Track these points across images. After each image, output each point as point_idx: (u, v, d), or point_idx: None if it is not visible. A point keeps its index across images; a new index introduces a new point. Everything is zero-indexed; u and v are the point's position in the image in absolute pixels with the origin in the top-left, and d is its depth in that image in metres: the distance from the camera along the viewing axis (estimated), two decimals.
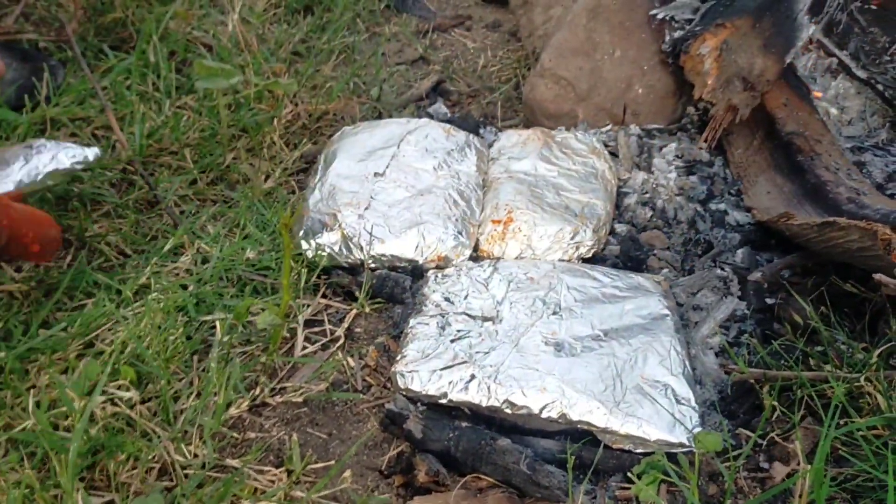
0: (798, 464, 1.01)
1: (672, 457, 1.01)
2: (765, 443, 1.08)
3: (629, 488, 1.03)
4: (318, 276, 1.25)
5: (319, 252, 1.26)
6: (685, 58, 1.55)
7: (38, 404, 0.96)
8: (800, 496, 0.94)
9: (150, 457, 0.97)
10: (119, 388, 1.02)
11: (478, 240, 1.30)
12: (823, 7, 1.65)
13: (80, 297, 1.19)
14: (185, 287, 1.19)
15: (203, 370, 1.08)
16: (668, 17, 1.60)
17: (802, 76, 1.67)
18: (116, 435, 0.97)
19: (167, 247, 1.26)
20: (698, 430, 1.03)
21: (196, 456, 0.99)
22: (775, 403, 1.08)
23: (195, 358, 1.09)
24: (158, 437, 0.98)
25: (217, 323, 1.09)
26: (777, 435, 1.08)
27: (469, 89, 1.78)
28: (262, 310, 1.12)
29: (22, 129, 1.40)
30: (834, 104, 1.66)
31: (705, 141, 1.53)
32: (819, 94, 1.68)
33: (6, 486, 0.92)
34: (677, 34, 1.58)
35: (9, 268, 1.21)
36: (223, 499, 0.93)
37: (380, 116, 1.64)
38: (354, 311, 1.22)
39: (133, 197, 1.35)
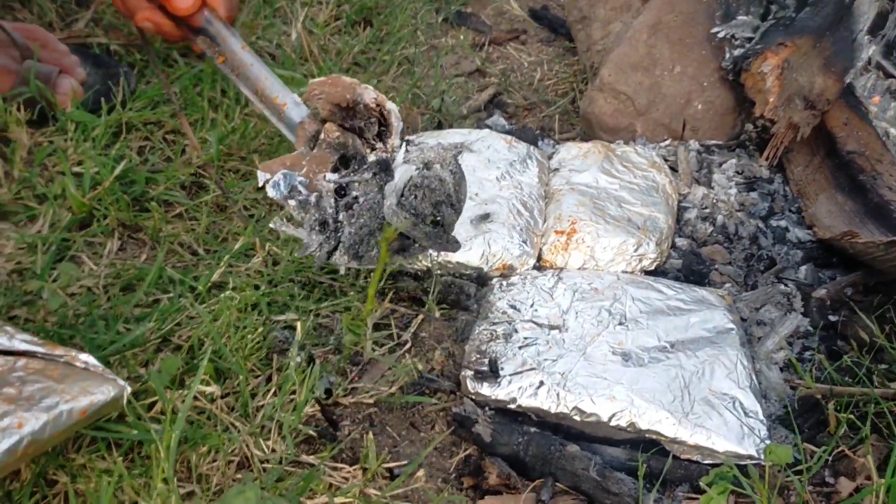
0: (867, 478, 1.02)
1: (741, 469, 1.01)
2: (830, 458, 1.09)
3: (695, 499, 1.04)
4: (385, 281, 1.28)
5: None
6: (746, 75, 1.56)
7: (135, 395, 0.99)
8: None
9: (230, 450, 0.99)
10: (200, 382, 1.05)
11: (540, 250, 1.32)
12: (883, 28, 1.66)
13: (154, 292, 1.22)
14: (256, 287, 1.23)
15: (280, 368, 1.10)
16: (728, 36, 1.62)
17: (861, 97, 1.68)
18: (198, 428, 1.00)
19: (237, 247, 1.29)
20: (767, 442, 1.03)
21: (274, 451, 1.01)
22: (842, 418, 1.08)
23: (272, 356, 1.12)
24: (238, 431, 1.01)
25: (298, 324, 1.12)
26: (844, 450, 1.08)
27: (526, 102, 1.81)
28: (338, 311, 1.15)
29: (99, 131, 1.44)
30: (894, 125, 1.66)
31: (766, 158, 1.54)
32: (878, 100, 1.68)
33: (94, 473, 0.95)
34: (737, 52, 1.60)
35: (89, 260, 1.25)
36: (302, 493, 0.95)
37: (440, 127, 1.67)
38: (421, 317, 1.25)
39: (204, 200, 1.39)
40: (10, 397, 0.85)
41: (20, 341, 0.93)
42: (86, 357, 0.93)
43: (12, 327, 0.95)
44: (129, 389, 0.93)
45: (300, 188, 1.02)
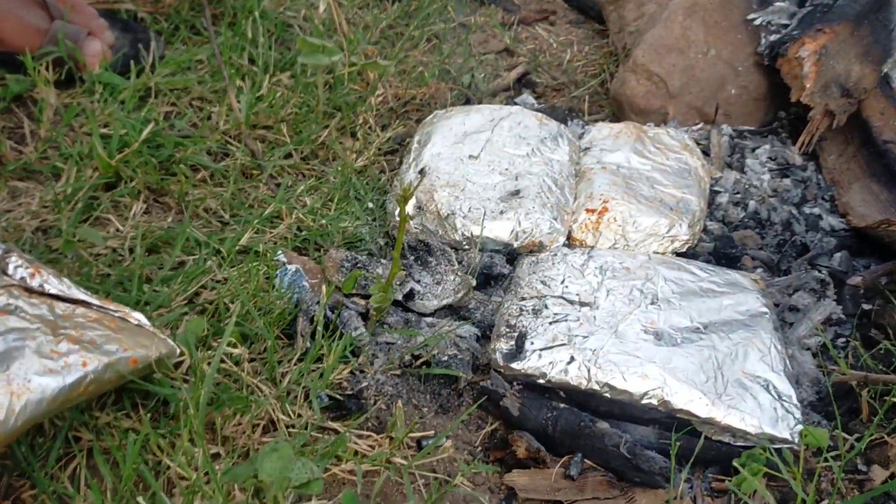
0: None
1: (775, 451, 1.00)
2: (863, 446, 1.07)
3: (724, 480, 1.02)
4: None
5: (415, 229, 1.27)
6: (782, 61, 1.54)
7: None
8: None
9: (256, 413, 0.98)
10: (228, 344, 1.03)
11: (571, 228, 1.31)
12: None
13: (179, 255, 1.21)
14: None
15: (305, 333, 1.09)
16: (764, 23, 1.59)
17: None
18: (225, 390, 0.99)
19: (266, 213, 1.28)
20: (800, 426, 1.02)
21: (300, 416, 1.00)
22: (884, 404, 1.06)
23: (299, 321, 1.10)
24: (264, 395, 1.00)
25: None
26: (877, 438, 1.06)
27: (555, 82, 1.78)
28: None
29: (126, 94, 1.43)
30: None
31: (800, 145, 1.52)
32: None
33: (119, 431, 0.94)
34: (774, 37, 1.57)
35: (116, 220, 1.24)
36: (328, 458, 0.94)
37: (468, 103, 1.65)
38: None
39: (232, 164, 1.37)
40: (74, 338, 0.89)
41: (78, 291, 0.97)
42: (138, 315, 0.97)
43: (67, 279, 0.97)
44: (178, 350, 0.97)
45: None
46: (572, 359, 1.07)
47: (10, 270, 0.96)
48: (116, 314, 0.96)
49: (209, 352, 1.03)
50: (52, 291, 0.95)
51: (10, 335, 0.86)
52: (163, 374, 0.94)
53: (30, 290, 0.94)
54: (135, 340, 0.92)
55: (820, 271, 1.28)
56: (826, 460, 1.01)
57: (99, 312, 0.94)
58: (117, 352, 0.90)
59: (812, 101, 1.48)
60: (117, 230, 1.24)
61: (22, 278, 0.95)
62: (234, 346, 1.04)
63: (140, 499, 0.84)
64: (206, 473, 0.87)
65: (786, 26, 1.59)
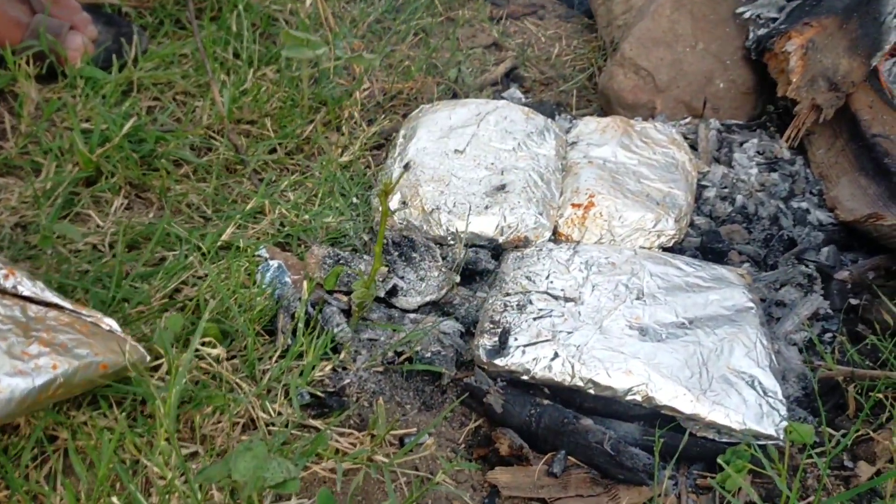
0: (889, 462, 0.99)
1: (759, 448, 0.99)
2: (849, 442, 1.06)
3: (708, 477, 1.01)
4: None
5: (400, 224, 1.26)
6: (769, 55, 1.53)
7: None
8: (892, 496, 0.92)
9: (235, 412, 0.97)
10: (204, 343, 1.02)
11: (557, 223, 1.29)
12: None
13: (159, 251, 1.19)
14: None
15: (286, 330, 1.08)
16: (753, 16, 1.58)
17: (886, 81, 1.64)
18: (203, 388, 0.98)
19: (248, 208, 1.27)
20: (786, 422, 1.01)
21: (280, 414, 0.99)
22: (868, 400, 1.06)
23: (279, 317, 1.09)
24: (244, 392, 0.99)
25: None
26: (863, 434, 1.05)
27: (542, 77, 1.77)
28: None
29: (108, 89, 1.41)
30: None
31: (787, 139, 1.51)
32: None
33: (95, 430, 0.93)
34: (761, 31, 1.56)
35: (97, 216, 1.22)
36: (309, 456, 0.93)
37: (455, 97, 1.64)
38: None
39: (214, 159, 1.36)
40: (46, 341, 0.88)
41: (51, 294, 0.96)
42: (110, 321, 0.96)
43: (43, 283, 0.97)
44: (148, 358, 0.96)
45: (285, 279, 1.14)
46: (556, 355, 1.05)
47: None
48: (88, 319, 0.95)
49: (186, 349, 1.01)
50: (26, 293, 0.94)
51: None
52: (138, 374, 0.92)
53: (3, 291, 0.93)
54: (106, 346, 0.91)
55: (807, 266, 1.28)
56: (811, 457, 1.00)
57: (71, 316, 0.94)
58: (87, 356, 0.89)
59: (798, 96, 1.47)
60: (98, 226, 1.22)
61: None
62: (214, 345, 1.02)
63: (114, 499, 0.83)
64: (183, 473, 0.85)
65: (774, 20, 1.58)
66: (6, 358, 0.83)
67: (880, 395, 1.04)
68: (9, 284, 0.94)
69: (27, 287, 0.94)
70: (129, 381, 0.94)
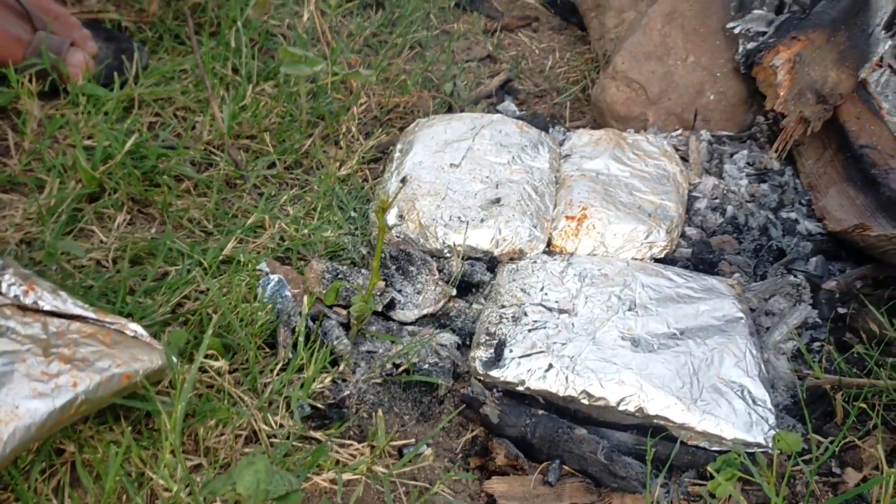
0: (875, 468, 1.02)
1: (748, 456, 1.01)
2: (836, 449, 1.09)
3: (700, 485, 1.04)
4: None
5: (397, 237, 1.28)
6: (758, 69, 1.56)
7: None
8: (878, 501, 0.95)
9: (238, 424, 0.99)
10: (206, 356, 1.05)
11: (551, 235, 1.32)
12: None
13: (161, 266, 1.22)
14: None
15: (286, 344, 1.10)
16: (743, 31, 1.61)
17: (874, 93, 1.67)
18: (207, 401, 1.00)
19: (248, 223, 1.29)
20: (774, 431, 1.03)
21: (282, 426, 1.01)
22: (854, 408, 1.08)
23: (280, 331, 1.12)
24: (246, 405, 1.01)
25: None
26: (850, 441, 1.08)
27: (537, 89, 1.80)
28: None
29: (110, 105, 1.43)
30: None
31: (775, 151, 1.54)
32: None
33: (101, 444, 0.95)
34: (750, 45, 1.59)
35: (100, 231, 1.25)
36: (310, 468, 0.95)
37: (450, 110, 1.67)
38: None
39: (215, 175, 1.38)
40: (66, 357, 0.89)
41: (73, 305, 0.96)
42: (135, 326, 0.96)
43: (64, 291, 0.97)
44: (175, 360, 0.97)
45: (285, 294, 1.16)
46: (550, 366, 1.08)
47: (4, 288, 0.96)
48: (112, 326, 0.96)
49: (190, 363, 1.04)
50: (47, 308, 0.95)
51: (0, 360, 0.86)
52: (144, 388, 0.95)
53: (23, 308, 0.94)
54: (129, 354, 0.92)
55: (796, 276, 1.30)
56: (798, 464, 1.03)
57: (94, 326, 0.94)
58: (110, 368, 0.90)
59: (786, 109, 1.50)
60: (101, 241, 1.25)
61: (16, 296, 0.95)
62: (216, 358, 1.05)
63: None
64: (188, 486, 0.88)
65: (763, 34, 1.61)
66: (25, 381, 0.84)
67: (864, 405, 1.07)
68: (29, 300, 0.94)
69: (48, 301, 0.95)
70: (135, 395, 0.96)
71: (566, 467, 1.04)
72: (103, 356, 0.91)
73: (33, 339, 0.90)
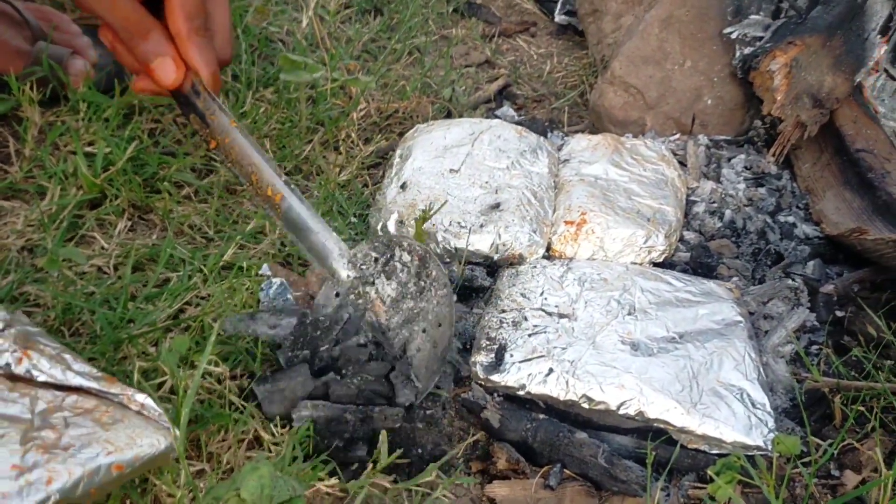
0: (873, 471, 1.03)
1: (748, 459, 1.02)
2: (836, 451, 1.09)
3: (700, 488, 1.05)
4: None
5: None
6: (754, 74, 1.57)
7: (144, 374, 1.00)
8: (876, 503, 0.95)
9: (240, 430, 1.00)
10: (208, 362, 1.05)
11: (550, 240, 1.33)
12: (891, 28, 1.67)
13: (163, 272, 1.22)
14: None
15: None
16: (739, 36, 1.62)
17: (870, 97, 1.68)
18: (209, 407, 1.00)
19: (249, 228, 1.30)
20: (774, 433, 1.04)
21: (283, 434, 1.01)
22: (852, 411, 1.09)
23: None
24: (251, 414, 1.02)
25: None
26: (849, 444, 1.09)
27: (535, 94, 1.81)
28: None
29: (110, 112, 1.44)
30: None
31: (773, 155, 1.55)
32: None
33: None
34: (747, 50, 1.60)
35: (101, 238, 1.25)
36: (311, 479, 0.95)
37: (449, 116, 1.68)
38: None
39: (216, 181, 1.39)
40: (47, 445, 0.77)
41: (75, 374, 0.86)
42: (143, 398, 0.86)
43: (71, 354, 0.88)
44: (175, 446, 0.84)
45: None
46: (551, 370, 1.09)
47: None
48: (116, 399, 0.86)
49: (192, 370, 1.04)
50: (41, 378, 0.84)
51: None
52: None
53: (13, 378, 0.83)
54: (126, 437, 0.81)
55: (794, 279, 1.31)
56: (797, 467, 1.03)
57: (95, 399, 0.85)
58: (97, 458, 0.78)
59: (783, 114, 1.51)
60: (102, 248, 1.25)
61: (7, 364, 0.84)
62: (217, 364, 1.05)
63: None
64: (191, 491, 0.88)
65: (760, 38, 1.62)
66: None
67: (862, 408, 1.08)
68: (21, 370, 0.84)
69: (45, 370, 0.84)
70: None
71: (567, 471, 1.04)
72: (93, 441, 0.79)
73: (13, 420, 0.78)
